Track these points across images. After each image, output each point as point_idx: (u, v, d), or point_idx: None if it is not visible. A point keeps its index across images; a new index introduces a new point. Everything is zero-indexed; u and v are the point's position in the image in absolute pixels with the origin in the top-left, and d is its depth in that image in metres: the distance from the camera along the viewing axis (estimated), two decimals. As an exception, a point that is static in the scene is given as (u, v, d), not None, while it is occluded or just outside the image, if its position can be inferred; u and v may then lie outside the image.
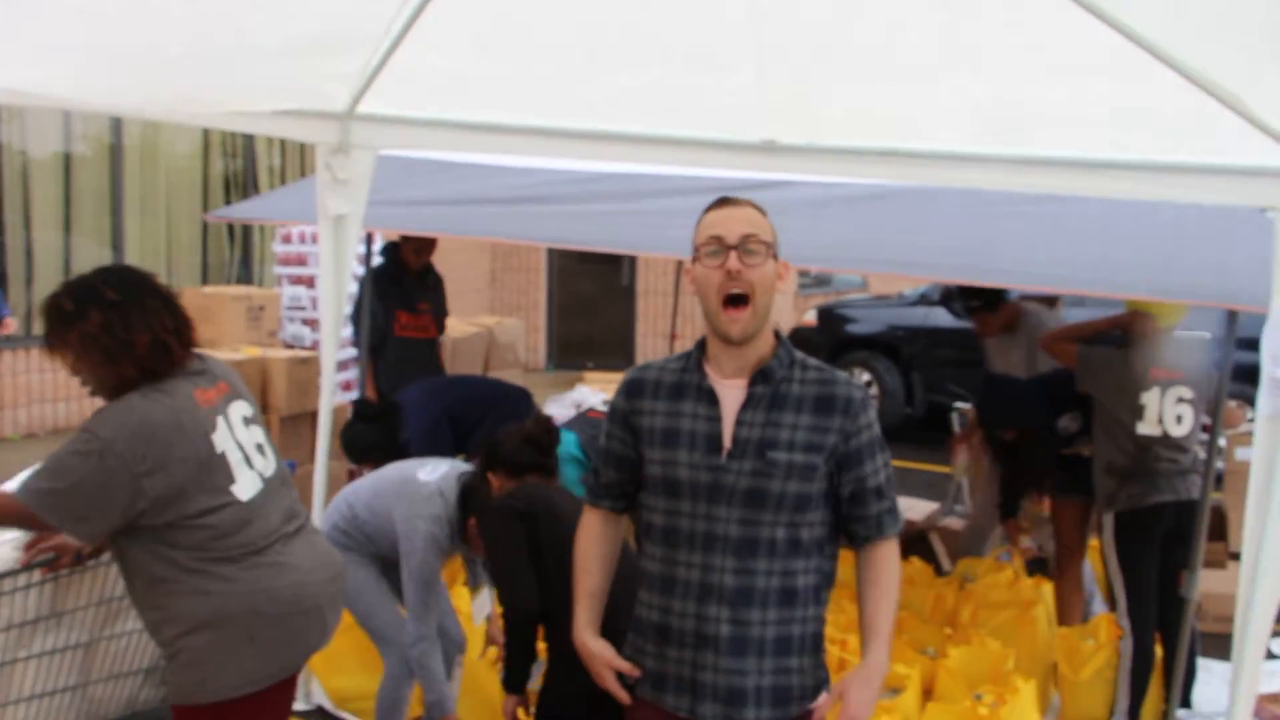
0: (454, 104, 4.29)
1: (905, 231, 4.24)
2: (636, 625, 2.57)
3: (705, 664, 2.42)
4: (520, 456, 3.49)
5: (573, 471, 4.44)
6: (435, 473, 3.92)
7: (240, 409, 2.91)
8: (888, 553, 2.52)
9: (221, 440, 2.79)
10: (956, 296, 10.92)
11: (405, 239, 6.01)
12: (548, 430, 3.55)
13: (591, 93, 3.94)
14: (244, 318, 7.26)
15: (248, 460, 2.85)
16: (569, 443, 4.56)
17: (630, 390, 2.56)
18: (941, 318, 11.03)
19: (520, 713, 3.42)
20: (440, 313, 6.34)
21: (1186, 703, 4.62)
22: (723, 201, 2.46)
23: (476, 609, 4.11)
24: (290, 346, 7.78)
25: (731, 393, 2.45)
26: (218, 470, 2.76)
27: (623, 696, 2.56)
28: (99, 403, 2.78)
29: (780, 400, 2.43)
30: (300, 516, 3.01)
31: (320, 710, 4.81)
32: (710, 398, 2.45)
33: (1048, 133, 3.52)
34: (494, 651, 4.52)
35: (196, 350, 2.94)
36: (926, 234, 4.21)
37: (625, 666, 2.54)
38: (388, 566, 4.07)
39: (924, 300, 11.34)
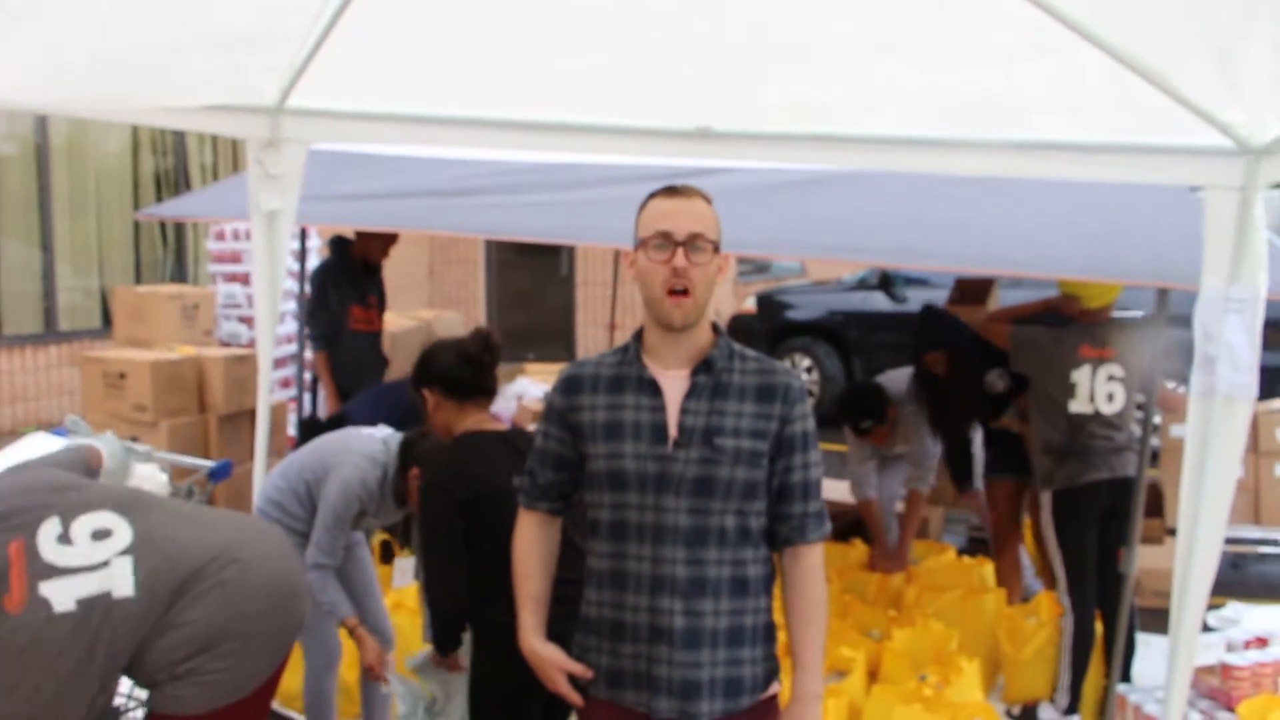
0: (386, 96, 4.23)
1: (840, 216, 4.25)
2: (585, 624, 2.54)
3: (660, 658, 2.40)
4: (457, 374, 3.23)
5: None
6: (382, 431, 3.89)
7: (49, 533, 2.58)
8: (811, 564, 2.49)
9: (63, 597, 2.52)
10: (893, 282, 11.03)
11: (365, 235, 5.96)
12: (488, 348, 3.28)
13: (525, 82, 3.90)
14: (179, 316, 7.11)
15: (100, 564, 2.59)
16: None
17: (567, 387, 2.52)
18: (880, 302, 11.11)
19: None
20: (383, 305, 6.36)
21: (1127, 677, 4.68)
22: (671, 191, 2.43)
23: (399, 571, 4.03)
24: (226, 345, 7.66)
25: (674, 383, 2.43)
26: (100, 612, 2.55)
27: (575, 699, 2.54)
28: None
29: (723, 389, 2.42)
30: (205, 516, 2.93)
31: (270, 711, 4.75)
32: (652, 388, 2.43)
33: (979, 116, 3.53)
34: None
35: None
36: (861, 218, 4.22)
37: (578, 669, 2.52)
38: None
39: (862, 285, 11.42)
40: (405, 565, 4.06)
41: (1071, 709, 4.76)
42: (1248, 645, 4.51)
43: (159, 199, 10.21)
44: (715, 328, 2.49)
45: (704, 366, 2.42)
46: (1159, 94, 3.04)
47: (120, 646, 2.58)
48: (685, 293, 2.36)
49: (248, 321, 7.84)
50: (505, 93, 4.04)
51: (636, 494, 2.40)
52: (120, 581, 2.62)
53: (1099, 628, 4.76)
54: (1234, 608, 5.97)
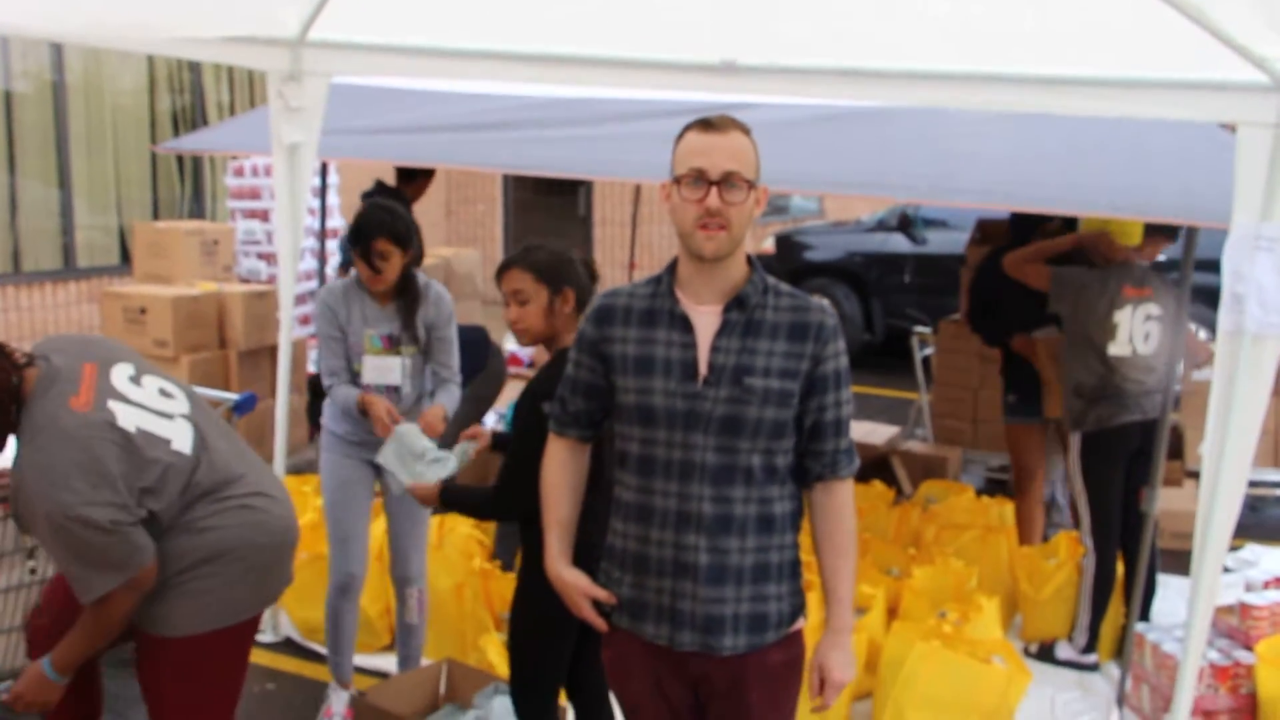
0: (407, 29, 4.20)
1: (866, 153, 4.21)
2: (610, 554, 2.55)
3: (684, 593, 2.40)
4: (588, 290, 3.15)
5: None
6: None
7: (122, 374, 2.75)
8: (842, 499, 2.49)
9: (128, 419, 2.64)
10: (912, 224, 10.96)
11: (405, 178, 5.86)
12: (593, 276, 3.20)
13: (547, 14, 3.86)
14: (198, 252, 7.11)
15: (164, 414, 2.74)
16: None
17: (599, 317, 2.50)
18: (899, 243, 11.05)
19: None
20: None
21: (1145, 617, 4.69)
22: (706, 125, 2.34)
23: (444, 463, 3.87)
24: (246, 281, 7.67)
25: (705, 319, 2.40)
26: (147, 445, 2.64)
27: (600, 624, 2.55)
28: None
29: (755, 327, 2.39)
30: (237, 440, 2.98)
31: (289, 641, 4.81)
32: (684, 324, 2.40)
33: (1010, 49, 3.48)
34: (458, 578, 4.51)
35: (25, 356, 2.71)
36: (887, 155, 4.19)
37: (602, 595, 2.53)
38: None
39: (882, 226, 11.34)
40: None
41: (1089, 648, 4.78)
42: (1266, 585, 4.52)
43: (176, 136, 10.18)
44: (750, 260, 2.45)
45: (737, 303, 2.39)
46: (1193, 28, 2.99)
47: (152, 503, 2.63)
48: (721, 228, 2.32)
49: (267, 258, 7.83)
50: (527, 26, 4.01)
51: (665, 430, 2.39)
52: (181, 438, 2.73)
53: (1120, 568, 4.78)
54: (1252, 549, 5.99)
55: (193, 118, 10.49)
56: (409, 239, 3.86)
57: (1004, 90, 3.58)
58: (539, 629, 3.11)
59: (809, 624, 2.61)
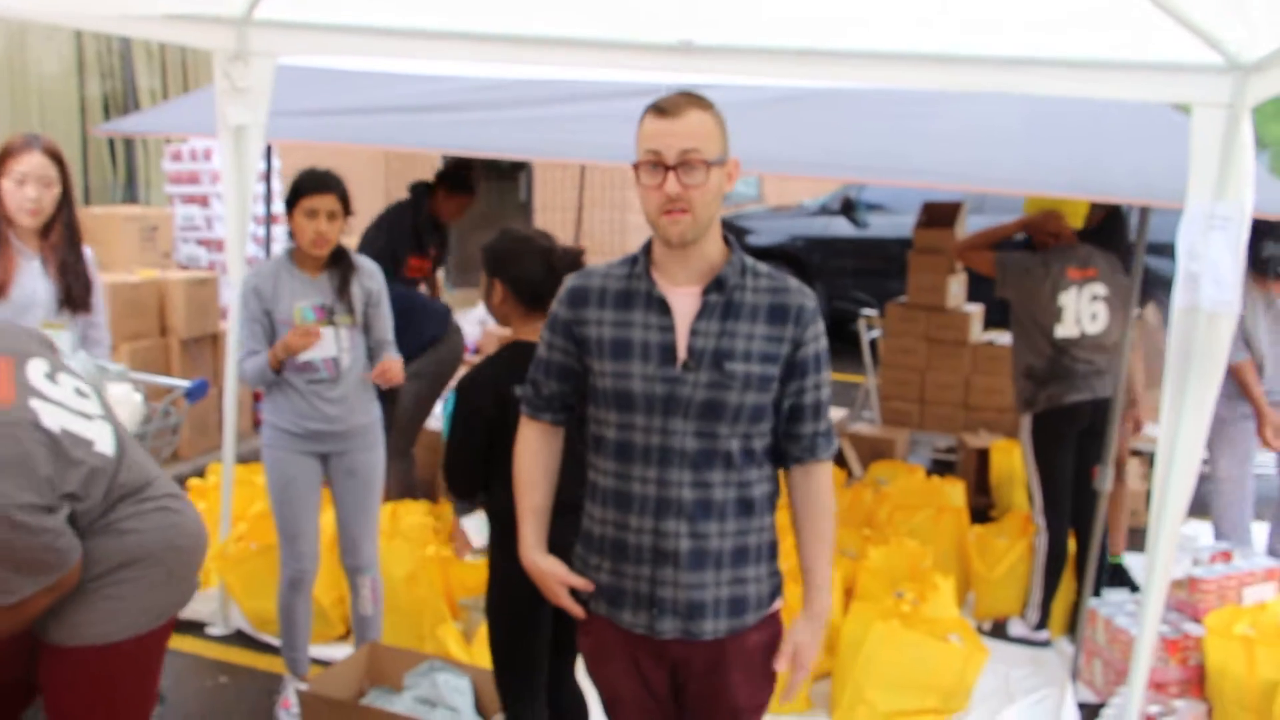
0: (355, 8, 4.12)
1: (823, 133, 4.20)
2: (587, 540, 2.51)
3: (664, 579, 2.37)
4: (537, 284, 3.08)
5: None
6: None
7: (38, 370, 2.55)
8: (821, 483, 2.46)
9: (50, 418, 2.45)
10: (855, 208, 11.04)
11: (443, 192, 5.78)
12: (574, 269, 3.06)
13: (501, -6, 3.81)
14: (137, 239, 6.96)
15: (84, 415, 2.56)
16: None
17: (573, 298, 2.44)
18: (842, 227, 11.12)
19: None
20: (441, 258, 6.14)
21: (1097, 593, 4.76)
22: (659, 110, 2.28)
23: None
24: (186, 268, 7.52)
25: (684, 301, 2.35)
26: (72, 446, 2.47)
27: (578, 612, 2.51)
28: None
29: (734, 309, 2.34)
30: (137, 443, 2.84)
31: (240, 634, 4.73)
32: (662, 306, 2.35)
33: (967, 31, 3.48)
34: (413, 566, 4.46)
35: None
36: (845, 136, 4.18)
37: (580, 582, 2.48)
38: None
39: (825, 210, 11.40)
40: None
41: (1041, 624, 4.84)
42: (1213, 560, 4.59)
43: (108, 122, 9.96)
44: (728, 240, 2.41)
45: (716, 284, 2.34)
46: (1150, 8, 3.01)
47: (79, 506, 2.48)
48: (684, 211, 2.27)
49: (207, 244, 7.68)
50: (479, 5, 3.94)
51: (644, 415, 2.35)
52: (103, 440, 2.57)
53: (1071, 546, 4.84)
54: (1193, 525, 6.09)
55: (124, 103, 10.26)
56: (349, 203, 3.82)
57: (961, 71, 3.59)
58: (512, 612, 3.08)
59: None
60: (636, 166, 2.29)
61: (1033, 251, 4.85)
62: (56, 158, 3.66)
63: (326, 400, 3.86)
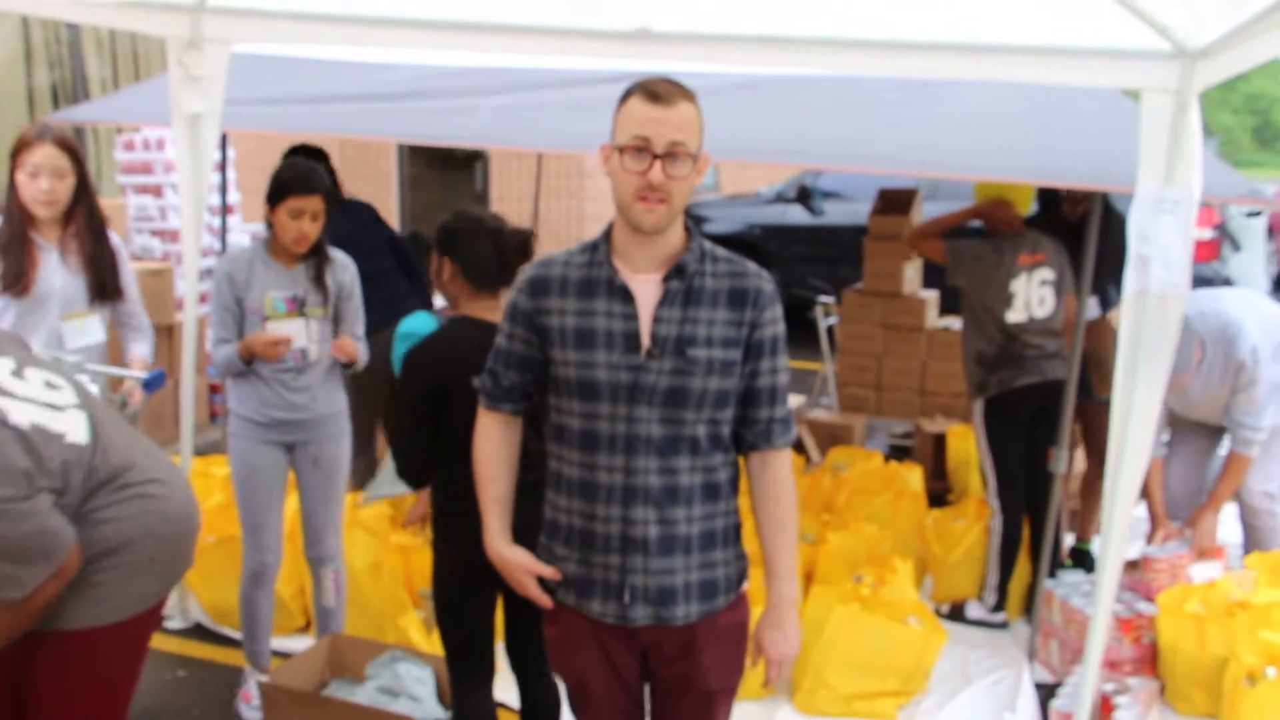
0: (311, -6, 4.10)
1: (783, 120, 4.22)
2: (552, 529, 2.50)
3: (634, 567, 2.38)
4: (485, 265, 3.10)
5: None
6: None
7: (2, 367, 2.55)
8: (779, 471, 2.47)
9: (20, 414, 2.46)
10: (811, 195, 11.09)
11: None
12: (523, 253, 3.13)
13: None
14: (89, 229, 6.88)
15: (53, 406, 2.57)
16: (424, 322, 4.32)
17: (534, 288, 2.43)
18: (798, 215, 11.17)
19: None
20: None
21: (1052, 574, 4.82)
22: (653, 95, 2.26)
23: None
24: (140, 259, 7.43)
25: (645, 288, 2.35)
26: (44, 441, 2.47)
27: (545, 601, 2.51)
28: None
29: (695, 295, 2.35)
30: (125, 426, 2.84)
31: (199, 627, 4.70)
32: (624, 294, 2.35)
33: (922, 17, 3.51)
34: (373, 557, 4.45)
35: None
36: (802, 123, 4.20)
37: (548, 571, 2.48)
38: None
39: (780, 198, 11.45)
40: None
41: (998, 606, 4.90)
42: (1166, 539, 4.67)
43: (56, 112, 9.82)
44: (687, 226, 2.42)
45: (676, 271, 2.35)
46: (1103, -5, 3.05)
47: (54, 491, 2.48)
48: (661, 201, 2.27)
49: (161, 234, 7.59)
50: (437, -8, 3.93)
51: (609, 404, 2.35)
52: (76, 429, 2.57)
53: (1026, 528, 4.91)
54: (1141, 507, 6.18)
55: (73, 92, 10.12)
56: (335, 198, 3.85)
57: (917, 57, 3.62)
58: (450, 599, 3.11)
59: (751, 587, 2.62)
60: (619, 150, 2.28)
61: (985, 238, 4.90)
62: (69, 148, 3.68)
63: (292, 389, 3.85)
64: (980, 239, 4.90)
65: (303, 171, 3.75)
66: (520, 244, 3.14)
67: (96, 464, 2.59)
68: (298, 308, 3.83)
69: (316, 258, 3.88)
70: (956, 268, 4.88)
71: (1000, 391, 4.77)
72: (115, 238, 3.84)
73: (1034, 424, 4.80)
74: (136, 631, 2.72)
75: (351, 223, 5.25)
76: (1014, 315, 4.75)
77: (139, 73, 10.40)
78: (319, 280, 3.86)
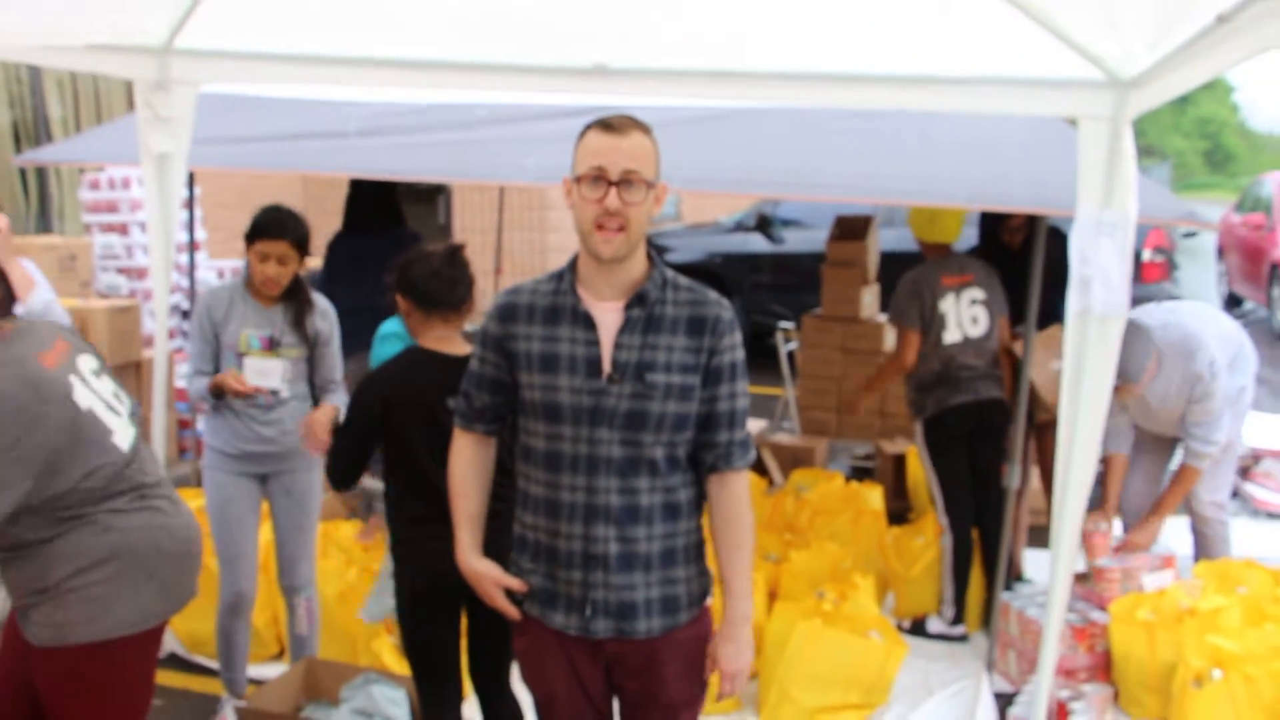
0: (276, 36, 4.19)
1: (736, 151, 4.36)
2: (520, 544, 2.61)
3: (596, 582, 2.48)
4: (425, 286, 3.24)
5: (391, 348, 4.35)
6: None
7: (87, 363, 2.83)
8: (736, 492, 2.56)
9: (84, 398, 2.72)
10: (770, 223, 11.26)
11: None
12: (453, 262, 3.29)
13: (418, 21, 3.89)
14: (56, 268, 6.93)
15: (113, 410, 2.80)
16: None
17: (503, 315, 2.54)
18: (758, 243, 11.33)
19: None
20: None
21: (1008, 587, 4.95)
22: (606, 126, 2.40)
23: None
24: (106, 296, 7.49)
25: (608, 316, 2.46)
26: (92, 426, 2.70)
27: (513, 614, 2.61)
28: None
29: (655, 323, 2.46)
30: (161, 465, 3.02)
31: (173, 656, 4.74)
32: (587, 321, 2.46)
33: (871, 51, 3.66)
34: (344, 584, 4.52)
35: (16, 315, 2.82)
36: (758, 153, 4.34)
37: (515, 583, 2.58)
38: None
39: (740, 227, 11.61)
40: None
41: (957, 619, 5.02)
42: (1116, 551, 4.80)
43: (18, 151, 9.84)
44: (650, 256, 2.53)
45: (638, 299, 2.46)
46: (1037, 29, 3.20)
47: (81, 483, 2.65)
48: (620, 230, 2.39)
49: (127, 272, 7.66)
50: (398, 31, 4.04)
51: (571, 426, 2.46)
52: (123, 435, 2.79)
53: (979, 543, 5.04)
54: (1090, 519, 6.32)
55: (35, 132, 10.16)
56: (305, 247, 3.91)
57: (865, 89, 3.75)
58: (416, 613, 3.23)
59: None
60: (577, 180, 2.40)
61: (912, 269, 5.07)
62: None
63: (261, 423, 3.94)
64: (913, 274, 5.05)
65: (275, 216, 3.86)
66: (449, 255, 3.28)
67: (128, 473, 2.77)
68: (272, 346, 3.92)
69: (295, 301, 3.96)
70: (908, 316, 5.02)
71: (937, 411, 4.94)
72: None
73: (974, 442, 4.95)
74: (140, 649, 2.81)
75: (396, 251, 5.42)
76: (949, 335, 4.91)
77: (100, 112, 10.45)
78: (298, 323, 3.95)
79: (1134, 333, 4.34)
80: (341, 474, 3.27)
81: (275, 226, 3.84)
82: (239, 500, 3.99)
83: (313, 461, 4.08)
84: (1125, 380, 4.40)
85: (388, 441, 3.18)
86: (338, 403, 3.92)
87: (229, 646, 4.11)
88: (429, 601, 3.17)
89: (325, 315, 4.06)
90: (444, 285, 3.22)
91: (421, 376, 3.17)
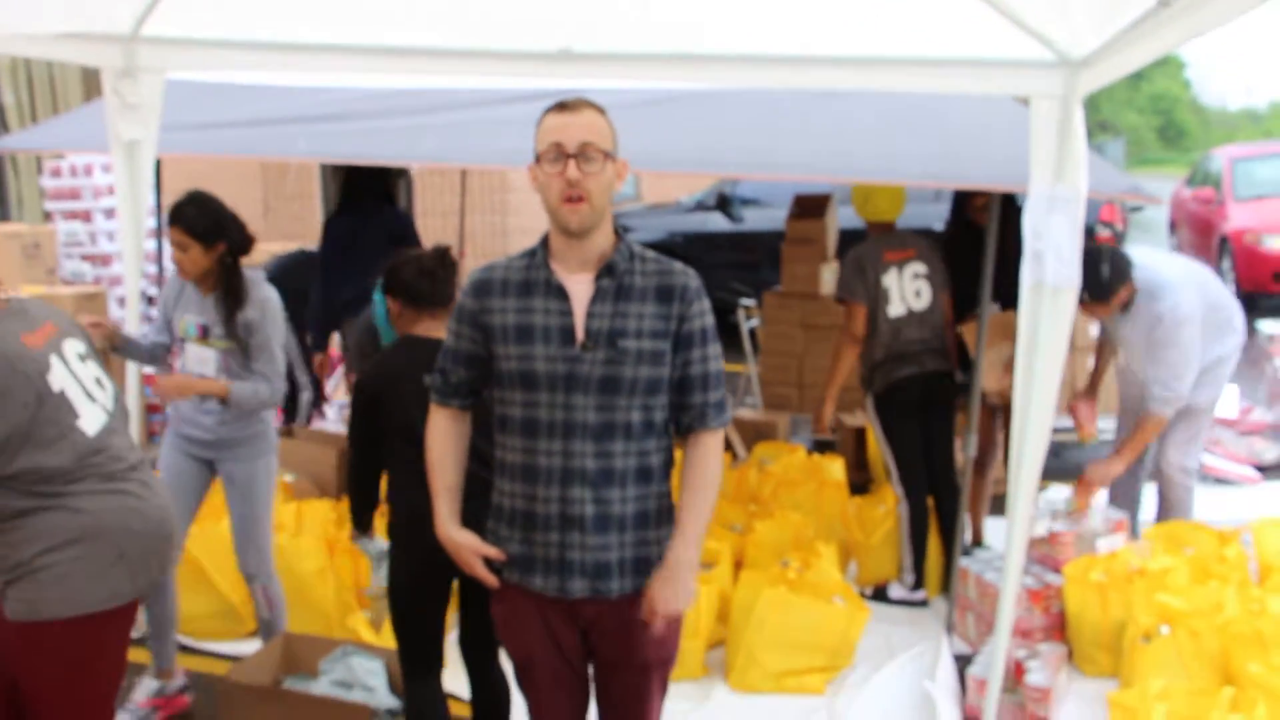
0: (243, 23, 4.23)
1: (698, 132, 4.45)
2: (498, 513, 2.70)
3: (572, 543, 2.58)
4: (416, 286, 3.39)
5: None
6: None
7: (74, 346, 2.91)
8: (709, 447, 2.67)
9: (59, 379, 2.80)
10: (730, 203, 11.37)
11: None
12: (443, 263, 3.46)
13: (383, 6, 3.95)
14: (19, 256, 6.92)
15: (88, 395, 2.88)
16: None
17: (478, 290, 2.65)
18: (719, 222, 11.44)
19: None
20: None
21: (966, 553, 5.09)
22: (561, 106, 2.53)
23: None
24: (71, 284, 7.48)
25: (579, 287, 2.58)
26: (60, 408, 2.78)
27: (492, 581, 2.70)
28: None
29: (625, 292, 2.57)
30: (138, 450, 3.07)
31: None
32: (560, 293, 2.57)
33: (827, 33, 3.75)
34: (320, 561, 4.60)
35: (9, 294, 2.91)
36: (717, 134, 4.44)
37: (493, 552, 2.68)
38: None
39: (701, 206, 11.71)
40: None
41: (917, 585, 5.17)
42: (1071, 514, 4.95)
43: (-27, 140, 9.78)
44: (617, 231, 2.64)
45: (607, 270, 2.57)
46: (989, 10, 3.30)
47: (39, 460, 2.73)
48: (581, 199, 2.50)
49: (92, 259, 7.65)
50: (363, 17, 4.08)
51: (547, 393, 2.56)
52: (91, 421, 2.86)
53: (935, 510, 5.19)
54: (1055, 489, 6.49)
55: (-11, 120, 10.10)
56: (208, 235, 3.88)
57: (820, 70, 3.84)
58: (403, 594, 3.36)
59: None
60: (539, 159, 2.52)
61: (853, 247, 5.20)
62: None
63: (201, 411, 4.05)
64: (856, 250, 5.18)
65: (177, 203, 3.90)
66: (439, 257, 3.46)
67: (96, 459, 2.84)
68: (205, 335, 3.98)
69: (228, 291, 3.93)
70: (858, 292, 5.11)
71: (885, 385, 5.08)
72: None
73: (924, 414, 5.09)
74: (113, 626, 2.88)
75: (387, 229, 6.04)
76: (894, 309, 5.05)
77: (56, 100, 10.39)
78: (228, 317, 3.92)
79: (1103, 254, 4.48)
80: (363, 499, 3.55)
81: (173, 213, 3.88)
82: (181, 475, 4.08)
83: (257, 450, 4.10)
84: (1093, 300, 4.53)
85: (387, 427, 3.31)
86: (250, 391, 3.89)
87: (149, 617, 4.17)
88: (425, 583, 3.31)
89: (264, 305, 3.96)
90: (436, 285, 3.38)
91: (415, 358, 3.30)
